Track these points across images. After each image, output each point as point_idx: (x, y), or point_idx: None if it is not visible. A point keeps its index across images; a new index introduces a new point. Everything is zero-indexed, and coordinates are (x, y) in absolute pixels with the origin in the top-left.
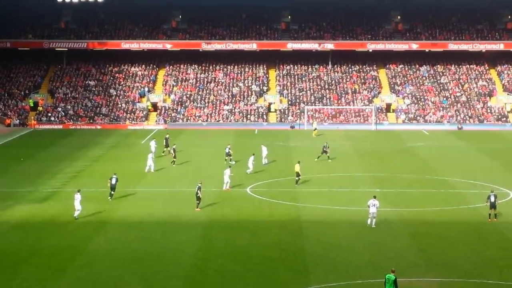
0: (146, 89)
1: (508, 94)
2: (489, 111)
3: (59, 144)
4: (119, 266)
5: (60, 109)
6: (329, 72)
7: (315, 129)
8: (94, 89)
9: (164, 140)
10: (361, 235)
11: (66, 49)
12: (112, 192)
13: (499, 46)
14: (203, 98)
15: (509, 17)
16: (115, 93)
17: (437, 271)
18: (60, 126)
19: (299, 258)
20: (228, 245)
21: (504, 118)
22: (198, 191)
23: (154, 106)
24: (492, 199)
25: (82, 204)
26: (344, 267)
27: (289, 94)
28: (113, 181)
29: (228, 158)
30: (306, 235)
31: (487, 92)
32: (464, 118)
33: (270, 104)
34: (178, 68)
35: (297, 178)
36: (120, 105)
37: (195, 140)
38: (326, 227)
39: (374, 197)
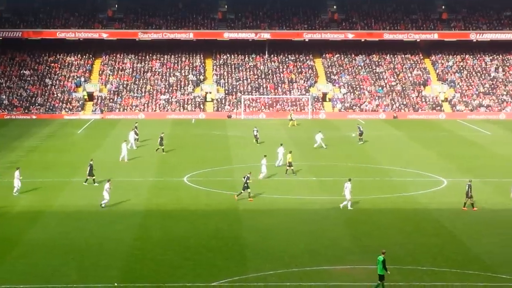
0: (82, 78)
1: (442, 84)
2: (423, 100)
3: None
4: (56, 256)
5: None
6: (265, 61)
7: (291, 119)
8: (29, 78)
9: (159, 139)
10: (297, 223)
11: (0, 38)
12: (92, 178)
13: (433, 36)
14: (139, 88)
15: (443, 7)
16: (50, 82)
17: (373, 258)
18: None
19: (237, 247)
20: (165, 235)
21: (439, 107)
22: (247, 181)
23: (90, 96)
24: (467, 188)
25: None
26: (280, 256)
27: (226, 84)
28: (89, 167)
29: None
30: (244, 224)
31: (421, 82)
32: (399, 107)
33: (207, 93)
34: (114, 57)
35: (288, 168)
36: (56, 95)
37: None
38: (263, 216)
39: (349, 180)
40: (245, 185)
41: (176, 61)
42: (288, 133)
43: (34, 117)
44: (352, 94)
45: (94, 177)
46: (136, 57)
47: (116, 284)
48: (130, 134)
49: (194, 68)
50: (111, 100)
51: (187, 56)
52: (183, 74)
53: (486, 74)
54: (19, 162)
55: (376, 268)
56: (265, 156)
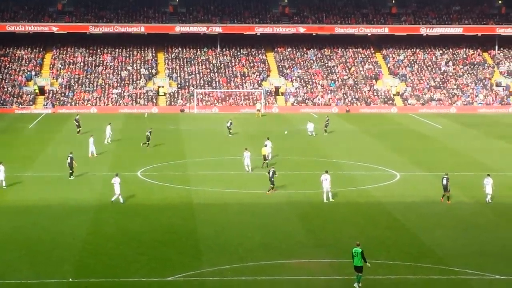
0: (33, 72)
1: (393, 78)
2: (375, 94)
3: None
4: (8, 251)
5: None
6: (218, 55)
7: (259, 110)
8: None
9: (147, 136)
10: (252, 217)
11: None
12: (71, 171)
13: (384, 30)
14: (91, 82)
15: (393, 1)
16: (0, 76)
17: (326, 252)
18: None
19: (191, 241)
20: (119, 229)
21: (390, 101)
22: (272, 175)
23: (41, 90)
24: (444, 181)
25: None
26: (235, 249)
27: (178, 78)
28: (69, 160)
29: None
30: (198, 218)
31: (373, 75)
32: (352, 101)
33: (159, 87)
34: (65, 51)
35: (264, 161)
36: (6, 89)
37: (84, 124)
38: (217, 210)
39: (326, 171)
40: (272, 179)
41: (127, 55)
42: (242, 127)
43: None
44: (304, 88)
45: (71, 171)
46: (87, 50)
47: (70, 279)
48: (107, 128)
49: (146, 62)
50: (62, 94)
51: (138, 50)
52: (135, 68)
53: (437, 68)
54: None
55: (351, 261)
56: (246, 149)
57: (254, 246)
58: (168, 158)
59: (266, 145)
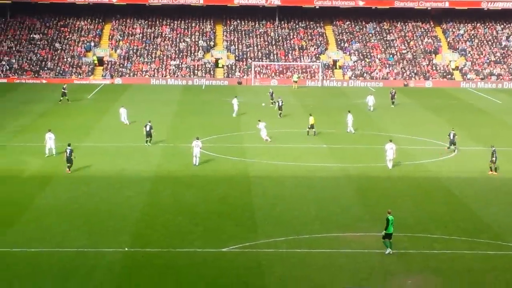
0: (92, 43)
1: (453, 52)
2: (434, 68)
3: (4, 98)
4: (66, 221)
5: (4, 62)
6: (276, 28)
7: (295, 81)
8: (39, 42)
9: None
10: (308, 190)
11: (10, 1)
12: (147, 139)
13: (444, 4)
14: (149, 53)
15: None
16: (60, 47)
17: (382, 226)
18: (5, 80)
19: (247, 213)
20: (175, 200)
21: (449, 76)
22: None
23: (100, 61)
24: (451, 136)
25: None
26: (291, 222)
27: (236, 50)
28: (147, 128)
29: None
30: (254, 191)
31: (432, 50)
32: (410, 75)
33: (217, 59)
34: (124, 22)
35: (310, 130)
36: (65, 59)
37: (142, 95)
38: (273, 183)
39: (390, 140)
40: (493, 158)
41: (186, 27)
42: (299, 100)
43: (44, 81)
44: (362, 61)
45: (149, 138)
46: (146, 22)
47: (126, 249)
48: (234, 101)
49: (204, 34)
50: (121, 65)
51: (197, 21)
52: (193, 40)
53: (497, 43)
54: (29, 126)
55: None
56: (259, 120)
57: (309, 219)
58: (224, 130)
59: (311, 115)
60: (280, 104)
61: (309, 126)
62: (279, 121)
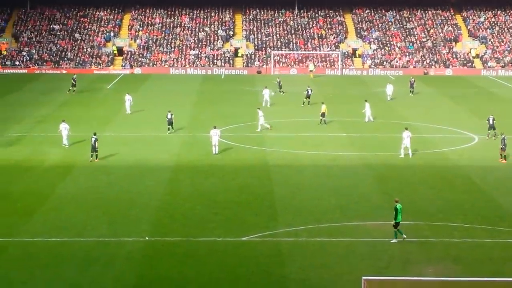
0: (112, 33)
1: (473, 40)
2: (454, 56)
3: (24, 88)
4: (86, 210)
5: (24, 53)
6: (295, 17)
7: (311, 70)
8: (58, 33)
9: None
10: (327, 179)
11: None
12: (169, 127)
13: None
14: (169, 43)
15: None
16: (80, 37)
17: (402, 214)
18: (25, 71)
19: (267, 202)
20: (195, 189)
21: (470, 64)
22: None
23: (120, 51)
24: (491, 121)
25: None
26: (311, 211)
27: (256, 39)
28: (169, 116)
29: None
30: (274, 179)
31: (452, 38)
32: (430, 63)
33: (236, 49)
34: (143, 12)
35: (322, 118)
36: (85, 50)
37: (162, 85)
38: (293, 171)
39: (406, 128)
40: (503, 146)
41: (205, 16)
42: (319, 89)
43: (64, 71)
44: (382, 50)
45: (171, 126)
46: (166, 12)
47: (146, 238)
48: (264, 91)
49: (224, 23)
50: (140, 55)
51: (216, 11)
52: (213, 29)
53: None
54: (50, 117)
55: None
56: (258, 108)
57: (329, 207)
58: (243, 119)
59: (322, 107)
60: (310, 93)
61: (321, 114)
62: (301, 110)
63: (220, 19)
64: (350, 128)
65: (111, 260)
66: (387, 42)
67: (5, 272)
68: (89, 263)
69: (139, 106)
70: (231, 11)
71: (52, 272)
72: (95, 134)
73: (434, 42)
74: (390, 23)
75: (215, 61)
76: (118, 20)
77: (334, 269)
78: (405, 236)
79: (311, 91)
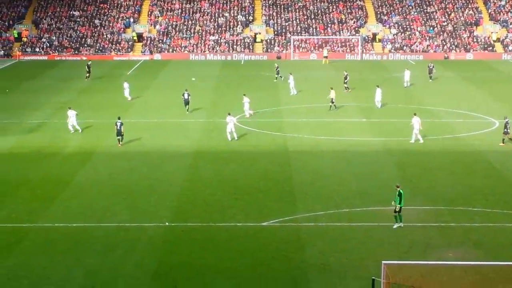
0: (131, 19)
1: (494, 23)
2: (475, 40)
3: (44, 75)
4: (106, 196)
5: (44, 40)
6: (315, 1)
7: (326, 56)
8: (78, 19)
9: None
10: (347, 165)
11: None
12: (187, 107)
13: None
14: (188, 29)
15: None
16: (99, 23)
17: (423, 199)
18: (45, 57)
19: (287, 188)
20: (216, 175)
21: (490, 48)
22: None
23: (139, 37)
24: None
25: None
26: (331, 196)
27: (275, 24)
28: (185, 96)
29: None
30: (294, 165)
31: (473, 21)
32: (450, 47)
33: (256, 34)
34: None
35: (331, 104)
36: (105, 36)
37: (181, 70)
38: (313, 157)
39: (415, 114)
40: (505, 130)
41: (225, 2)
42: (339, 74)
43: (84, 58)
44: (402, 34)
45: (188, 106)
46: None
47: (167, 223)
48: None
49: (243, 9)
50: (160, 41)
51: None
52: (232, 15)
53: None
54: (69, 103)
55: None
56: (244, 95)
57: (350, 193)
58: (263, 105)
59: (332, 89)
60: (347, 79)
61: (330, 100)
62: (318, 95)
63: (239, 4)
64: (370, 114)
65: (132, 246)
66: (407, 27)
67: (26, 257)
68: (110, 249)
69: (158, 92)
70: None
71: (73, 258)
72: (119, 119)
73: (454, 26)
74: (410, 7)
75: (235, 46)
76: (137, 6)
77: (354, 254)
78: (400, 224)
79: (349, 76)
